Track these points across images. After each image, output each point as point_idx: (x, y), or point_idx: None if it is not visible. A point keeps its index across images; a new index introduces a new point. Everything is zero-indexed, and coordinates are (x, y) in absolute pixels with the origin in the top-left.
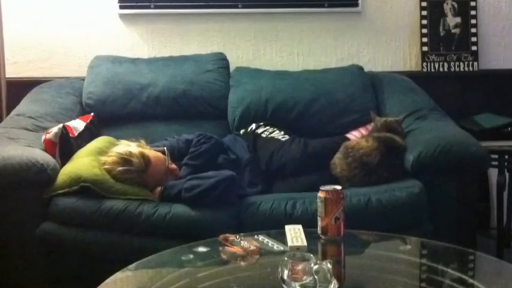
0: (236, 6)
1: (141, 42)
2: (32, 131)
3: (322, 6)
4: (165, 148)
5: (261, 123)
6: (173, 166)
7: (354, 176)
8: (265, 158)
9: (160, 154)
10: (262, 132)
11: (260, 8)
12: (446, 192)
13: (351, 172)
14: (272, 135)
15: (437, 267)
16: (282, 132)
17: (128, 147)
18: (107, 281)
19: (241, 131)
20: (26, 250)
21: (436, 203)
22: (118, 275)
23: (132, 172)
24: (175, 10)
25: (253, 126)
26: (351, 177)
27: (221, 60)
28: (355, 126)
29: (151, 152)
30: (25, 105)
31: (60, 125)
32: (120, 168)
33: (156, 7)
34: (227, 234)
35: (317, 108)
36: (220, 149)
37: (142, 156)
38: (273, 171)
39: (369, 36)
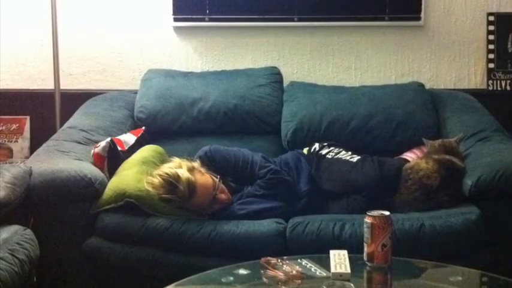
0: (292, 20)
1: (195, 55)
2: (83, 144)
3: (382, 19)
4: (218, 178)
5: (325, 144)
6: (222, 196)
7: (414, 199)
8: (332, 180)
9: (209, 181)
10: (327, 153)
11: (316, 21)
12: (507, 220)
13: (410, 195)
14: (339, 156)
15: None
16: (350, 153)
17: (178, 169)
18: None
19: (305, 150)
20: (72, 265)
21: (495, 231)
22: None
23: (174, 200)
24: (230, 23)
25: (317, 146)
26: (411, 201)
27: (274, 75)
28: (414, 145)
29: (201, 179)
30: (78, 118)
31: (108, 139)
32: (163, 195)
33: (210, 20)
34: (269, 258)
35: (373, 125)
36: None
37: (188, 184)
38: (343, 193)
39: (431, 51)
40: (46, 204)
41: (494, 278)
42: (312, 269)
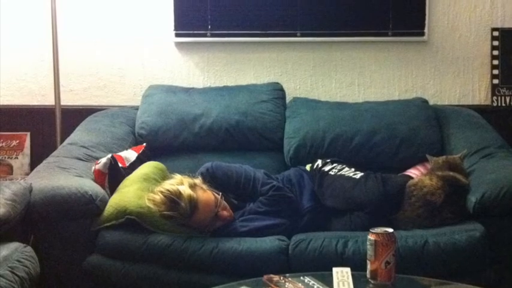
0: (294, 35)
1: (197, 71)
2: (84, 160)
3: (385, 35)
4: (220, 195)
5: (328, 160)
6: (224, 213)
7: (418, 216)
8: (335, 197)
9: (211, 198)
10: (330, 170)
11: (319, 36)
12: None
13: (413, 212)
14: (342, 172)
15: None
16: (353, 169)
17: (179, 185)
18: None
19: (307, 167)
20: (72, 283)
21: (499, 248)
22: None
23: (176, 217)
24: (232, 39)
25: (319, 163)
26: (414, 218)
27: (277, 91)
28: (418, 162)
29: (202, 196)
30: (78, 134)
31: (109, 155)
32: (164, 212)
33: (212, 35)
34: (271, 275)
35: (377, 141)
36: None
37: (190, 200)
38: (346, 210)
39: (435, 67)
40: (46, 221)
41: None
42: (315, 287)
